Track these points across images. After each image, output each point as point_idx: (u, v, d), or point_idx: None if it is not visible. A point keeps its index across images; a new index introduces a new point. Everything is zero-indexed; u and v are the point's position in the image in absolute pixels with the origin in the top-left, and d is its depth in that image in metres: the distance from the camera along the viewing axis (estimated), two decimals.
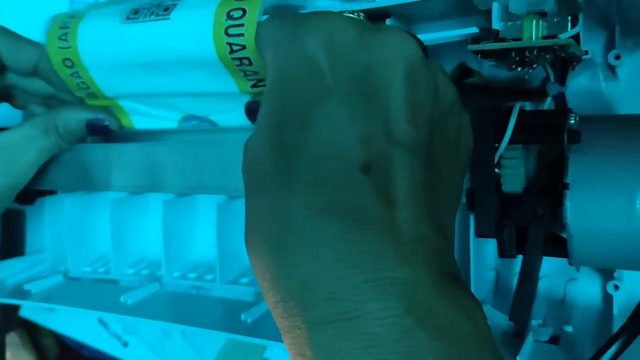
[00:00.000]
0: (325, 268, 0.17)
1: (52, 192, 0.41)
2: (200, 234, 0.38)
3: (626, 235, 0.22)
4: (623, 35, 0.27)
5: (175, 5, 0.27)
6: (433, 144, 0.19)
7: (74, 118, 0.32)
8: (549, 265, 0.31)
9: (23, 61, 0.32)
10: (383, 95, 0.18)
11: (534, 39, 0.24)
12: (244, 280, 0.35)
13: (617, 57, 0.26)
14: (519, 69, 0.26)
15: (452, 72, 0.29)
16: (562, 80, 0.28)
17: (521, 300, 0.27)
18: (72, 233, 0.39)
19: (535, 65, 0.26)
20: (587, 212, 0.22)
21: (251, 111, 0.29)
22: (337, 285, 0.16)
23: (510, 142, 0.24)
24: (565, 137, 0.22)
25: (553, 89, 0.27)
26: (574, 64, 0.26)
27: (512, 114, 0.24)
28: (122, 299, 0.35)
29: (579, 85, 0.28)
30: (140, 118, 0.33)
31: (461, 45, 0.27)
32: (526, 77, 0.27)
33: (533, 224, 0.25)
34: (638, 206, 0.21)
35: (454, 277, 0.18)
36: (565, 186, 0.23)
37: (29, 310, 0.47)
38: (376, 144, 0.18)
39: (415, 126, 0.18)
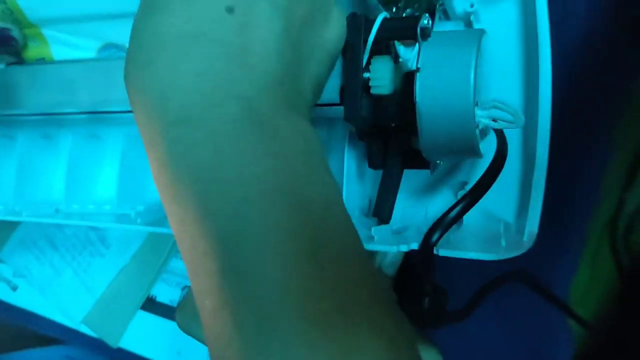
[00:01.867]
0: (183, 80, 0.20)
1: None
2: (105, 175, 0.39)
3: (456, 105, 0.26)
4: None
5: None
6: (293, 14, 0.23)
7: None
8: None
9: None
10: None
11: None
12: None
13: (472, 5, 0.32)
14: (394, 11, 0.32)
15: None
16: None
17: (383, 198, 0.30)
18: None
19: (408, 11, 0.32)
20: (430, 88, 0.26)
21: None
22: (190, 94, 0.20)
23: (377, 42, 0.28)
24: (419, 32, 0.27)
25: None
26: (439, 6, 0.32)
27: (377, 19, 0.28)
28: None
29: None
30: (60, 48, 0.36)
31: None
32: None
33: (396, 119, 0.29)
34: (464, 80, 0.25)
35: (299, 111, 0.22)
36: (417, 70, 0.27)
37: None
38: None
39: None
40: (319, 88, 0.26)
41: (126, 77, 0.22)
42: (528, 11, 0.32)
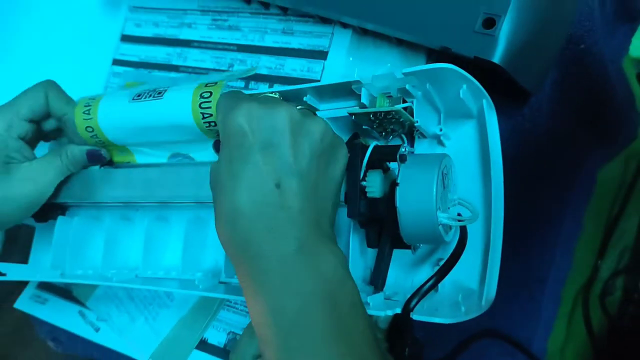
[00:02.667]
0: (258, 233, 0.33)
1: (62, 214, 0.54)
2: (171, 248, 0.51)
3: (423, 210, 0.37)
4: (445, 118, 0.43)
5: (166, 89, 0.44)
6: (315, 165, 0.35)
7: (78, 148, 0.47)
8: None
9: (59, 114, 0.47)
10: (280, 145, 0.34)
11: (382, 107, 0.41)
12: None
13: (440, 130, 0.42)
14: (384, 133, 0.44)
15: (350, 137, 0.45)
16: (411, 144, 0.45)
17: (378, 271, 0.41)
18: (73, 246, 0.51)
19: (395, 133, 0.44)
20: (406, 197, 0.37)
21: (216, 145, 0.45)
22: (264, 240, 0.32)
23: (369, 162, 0.39)
24: (398, 158, 0.38)
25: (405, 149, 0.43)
26: (416, 131, 0.43)
27: (370, 146, 0.40)
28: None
29: (424, 150, 0.44)
30: (140, 156, 0.49)
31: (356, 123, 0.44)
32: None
33: (385, 215, 0.40)
34: (429, 193, 0.36)
35: (327, 235, 0.35)
36: (397, 184, 0.38)
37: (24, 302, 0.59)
38: (279, 173, 0.34)
39: (300, 160, 0.34)
40: (336, 206, 0.38)
41: (219, 234, 0.34)
42: (483, 130, 0.41)
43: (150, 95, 0.44)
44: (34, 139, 0.48)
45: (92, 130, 0.45)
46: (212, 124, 0.42)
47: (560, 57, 0.50)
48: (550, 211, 0.62)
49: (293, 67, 0.52)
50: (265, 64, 0.53)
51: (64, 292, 0.62)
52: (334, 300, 0.32)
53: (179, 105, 0.42)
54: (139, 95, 0.44)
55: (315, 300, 0.31)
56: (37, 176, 0.45)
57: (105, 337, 0.57)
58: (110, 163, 0.49)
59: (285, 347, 0.30)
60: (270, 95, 0.42)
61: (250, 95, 0.37)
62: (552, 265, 0.63)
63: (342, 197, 0.40)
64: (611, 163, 0.71)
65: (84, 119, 0.45)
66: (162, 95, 0.43)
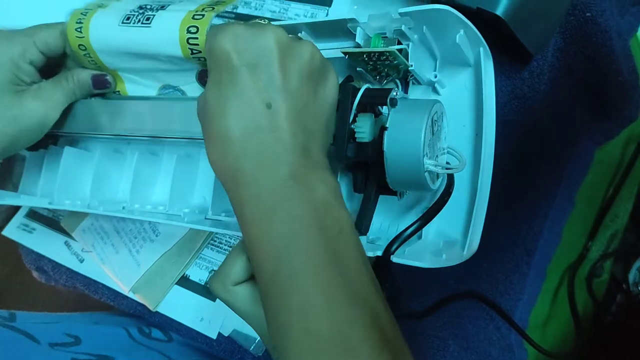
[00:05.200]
0: (249, 159, 0.32)
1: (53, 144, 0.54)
2: (160, 184, 0.51)
3: (410, 155, 0.36)
4: (441, 65, 0.43)
5: (154, 15, 0.43)
6: (305, 86, 0.35)
7: (85, 72, 0.47)
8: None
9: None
10: (268, 65, 0.34)
11: (376, 47, 0.40)
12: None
13: (435, 76, 0.42)
14: (378, 77, 0.43)
15: (343, 80, 0.45)
16: (405, 90, 0.44)
17: (362, 215, 0.41)
18: (63, 175, 0.50)
19: (389, 77, 0.43)
20: (394, 142, 0.37)
21: (200, 75, 0.45)
22: (255, 168, 0.32)
23: (361, 106, 0.39)
24: (388, 101, 0.38)
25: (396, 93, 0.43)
26: (410, 76, 0.43)
27: (362, 88, 0.39)
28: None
29: (417, 97, 0.44)
30: (131, 85, 0.48)
31: (350, 64, 0.43)
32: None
33: (372, 159, 0.39)
34: (416, 138, 0.36)
35: (319, 162, 0.35)
36: (385, 128, 0.38)
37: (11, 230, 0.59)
38: (269, 92, 0.33)
39: (290, 79, 0.34)
40: (329, 133, 0.38)
41: (210, 162, 0.34)
42: (478, 79, 0.41)
43: (139, 21, 0.43)
44: (41, 72, 0.48)
45: (85, 49, 0.45)
46: (203, 59, 0.41)
47: (565, 23, 0.49)
48: (543, 183, 0.62)
49: (297, 12, 0.52)
50: (269, 8, 0.53)
51: (52, 222, 0.62)
52: (321, 226, 0.32)
53: (167, 37, 0.42)
54: (128, 19, 0.43)
55: (304, 225, 0.31)
56: (45, 96, 0.45)
57: (89, 269, 0.58)
58: (102, 94, 0.49)
59: (277, 272, 0.31)
60: (259, 22, 0.41)
61: (237, 22, 0.36)
62: (540, 238, 0.63)
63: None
64: (610, 143, 0.70)
65: (77, 37, 0.44)
66: (150, 23, 0.42)
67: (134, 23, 0.43)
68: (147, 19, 0.42)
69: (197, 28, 0.41)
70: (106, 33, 0.44)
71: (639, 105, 0.71)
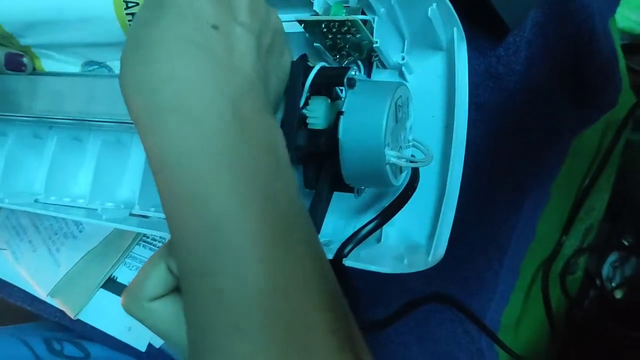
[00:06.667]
0: (177, 76, 0.24)
1: None
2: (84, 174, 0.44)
3: (370, 144, 0.31)
4: (410, 47, 0.38)
5: None
6: (262, 42, 0.29)
7: None
8: None
9: None
10: None
11: (337, 15, 0.34)
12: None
13: (403, 59, 0.37)
14: (337, 57, 0.37)
15: (297, 59, 0.39)
16: (369, 74, 0.39)
17: (314, 215, 0.35)
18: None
19: (350, 58, 0.37)
20: (351, 128, 0.31)
21: None
22: (184, 88, 0.24)
23: (313, 84, 0.33)
24: (345, 82, 0.32)
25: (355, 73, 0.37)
26: (374, 57, 0.37)
27: (315, 66, 0.33)
28: None
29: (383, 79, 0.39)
30: (48, 61, 0.41)
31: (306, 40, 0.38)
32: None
33: (326, 149, 0.34)
34: (377, 125, 0.31)
35: (267, 111, 0.27)
36: (341, 113, 0.32)
37: None
38: (223, 18, 0.27)
39: (252, 20, 0.28)
40: (277, 100, 0.32)
41: (122, 75, 0.25)
42: (451, 63, 0.36)
43: None
44: None
45: None
46: None
47: None
48: (517, 173, 0.57)
49: None
50: None
51: None
52: (271, 189, 0.25)
53: None
54: None
55: (249, 184, 0.24)
56: None
57: (2, 269, 0.51)
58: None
59: (209, 247, 0.23)
60: None
61: None
62: (514, 234, 0.59)
63: None
64: (587, 131, 0.66)
65: None
66: None
67: None
68: None
69: None
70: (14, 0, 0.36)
71: (618, 90, 0.67)
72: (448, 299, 0.50)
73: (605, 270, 0.75)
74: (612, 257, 0.79)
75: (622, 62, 0.64)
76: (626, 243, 0.76)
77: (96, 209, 0.39)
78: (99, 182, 0.41)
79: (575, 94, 0.60)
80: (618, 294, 0.77)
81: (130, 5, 0.35)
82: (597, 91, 0.62)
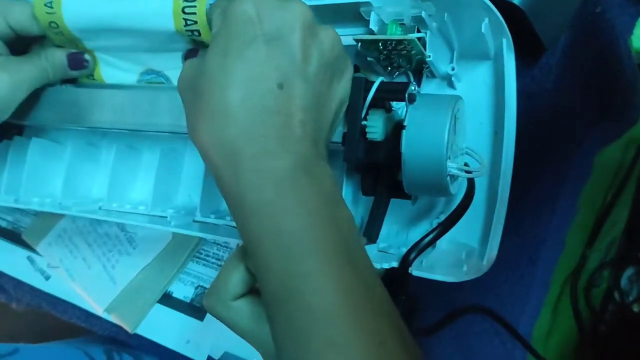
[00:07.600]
0: (250, 140, 0.28)
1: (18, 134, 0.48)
2: (141, 181, 0.46)
3: (432, 157, 0.33)
4: (460, 56, 0.39)
5: None
6: (321, 75, 0.31)
7: (60, 50, 0.42)
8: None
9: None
10: (289, 42, 0.29)
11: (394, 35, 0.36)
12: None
13: (453, 69, 0.38)
14: (389, 68, 0.39)
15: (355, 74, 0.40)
16: (418, 83, 0.40)
17: (372, 221, 0.37)
18: (30, 170, 0.45)
19: (401, 69, 0.39)
20: (414, 142, 0.33)
21: (188, 54, 0.40)
22: (258, 151, 0.27)
23: (374, 99, 0.35)
24: (407, 97, 0.34)
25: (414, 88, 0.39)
26: (425, 68, 0.39)
27: (376, 82, 0.35)
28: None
29: (431, 91, 0.40)
30: (108, 69, 0.43)
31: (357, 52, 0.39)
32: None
33: (384, 161, 0.35)
34: (439, 139, 0.32)
35: (324, 157, 0.30)
36: (403, 127, 0.34)
37: None
38: (284, 72, 0.29)
39: (309, 63, 0.30)
40: (333, 131, 0.34)
41: (199, 142, 0.29)
42: (499, 74, 0.38)
43: None
44: (9, 49, 0.42)
45: (57, 27, 0.39)
46: (196, 32, 0.36)
47: (574, 17, 0.46)
48: (545, 189, 0.59)
49: None
50: None
51: (12, 234, 0.56)
52: (335, 220, 0.28)
53: (158, 6, 0.36)
54: None
55: (318, 219, 0.27)
56: (13, 68, 0.40)
57: (56, 286, 0.52)
58: (73, 81, 0.44)
59: (288, 272, 0.26)
60: None
61: None
62: (544, 247, 0.60)
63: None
64: (609, 147, 0.68)
65: (47, 13, 0.39)
66: None
67: None
68: None
69: None
70: (82, 6, 0.38)
71: (638, 108, 0.69)
72: (489, 311, 0.51)
73: (623, 283, 0.76)
74: (629, 271, 0.80)
75: None
76: None
77: (165, 216, 0.40)
78: (159, 189, 0.42)
79: (599, 111, 0.62)
80: (636, 308, 0.79)
81: (189, 22, 0.37)
82: (620, 109, 0.64)
